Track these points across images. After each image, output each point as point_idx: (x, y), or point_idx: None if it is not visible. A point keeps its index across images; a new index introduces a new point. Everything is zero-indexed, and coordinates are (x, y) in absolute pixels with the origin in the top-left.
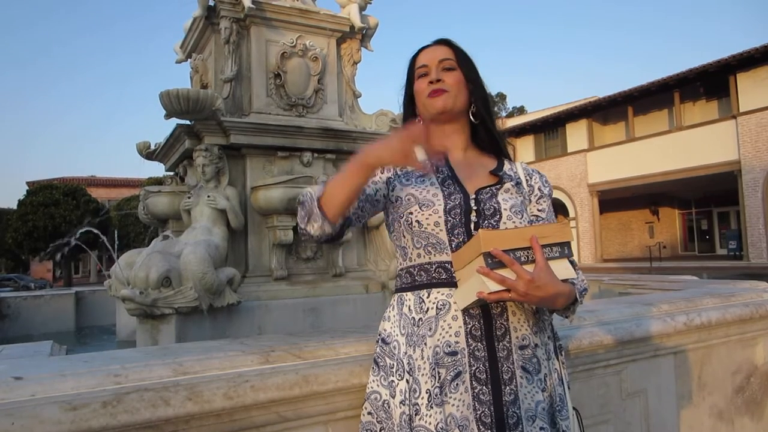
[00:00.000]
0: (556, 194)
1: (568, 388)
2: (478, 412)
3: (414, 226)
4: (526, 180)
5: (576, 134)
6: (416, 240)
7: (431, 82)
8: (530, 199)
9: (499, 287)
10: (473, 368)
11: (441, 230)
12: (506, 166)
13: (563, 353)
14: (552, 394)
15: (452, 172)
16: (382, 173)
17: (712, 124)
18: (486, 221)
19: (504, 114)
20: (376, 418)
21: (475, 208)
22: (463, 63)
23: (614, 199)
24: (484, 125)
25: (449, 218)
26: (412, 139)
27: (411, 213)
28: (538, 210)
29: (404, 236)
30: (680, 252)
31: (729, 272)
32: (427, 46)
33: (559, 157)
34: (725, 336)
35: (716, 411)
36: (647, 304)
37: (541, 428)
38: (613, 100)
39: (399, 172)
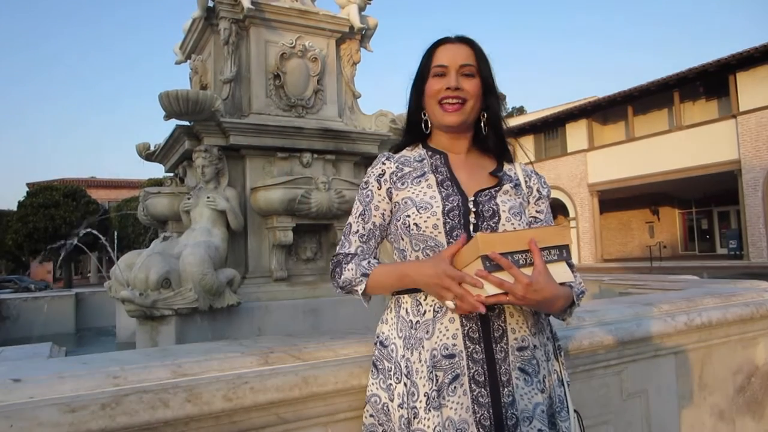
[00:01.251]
0: (556, 194)
1: (568, 388)
2: (478, 415)
3: (412, 229)
4: (525, 181)
5: (576, 134)
6: (414, 243)
7: (449, 89)
8: (529, 201)
9: (497, 291)
10: (472, 371)
11: (439, 233)
12: (506, 167)
13: (563, 354)
14: (551, 395)
15: (451, 173)
16: (379, 189)
17: (712, 124)
18: (485, 223)
19: (504, 114)
20: (378, 421)
21: (473, 209)
22: (483, 69)
23: (614, 199)
24: (493, 133)
25: (448, 220)
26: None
27: (408, 216)
28: (537, 211)
29: (402, 239)
30: (680, 252)
31: (729, 272)
32: (448, 41)
33: (559, 157)
34: (726, 336)
35: (717, 411)
36: (647, 304)
37: (539, 430)
38: (613, 100)
39: (394, 178)
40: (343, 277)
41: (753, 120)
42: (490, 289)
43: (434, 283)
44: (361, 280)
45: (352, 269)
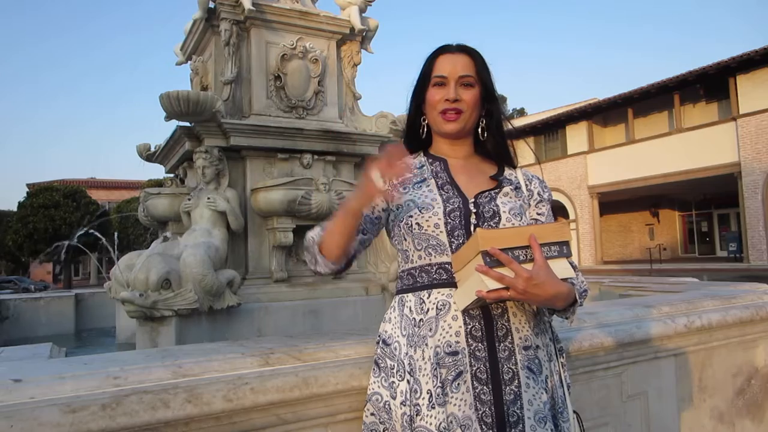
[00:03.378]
0: (556, 196)
1: (569, 390)
2: (480, 412)
3: (414, 229)
4: (526, 185)
5: (576, 136)
6: (417, 242)
7: (447, 100)
8: (529, 203)
9: (498, 285)
10: (474, 368)
11: (441, 232)
12: (506, 171)
13: (563, 355)
14: (554, 395)
15: (450, 178)
16: None
17: (712, 126)
18: (485, 223)
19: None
20: (379, 419)
21: (474, 210)
22: (483, 79)
23: (614, 201)
24: (492, 137)
25: (449, 220)
26: (374, 183)
27: (411, 216)
28: (538, 214)
29: (405, 239)
30: (680, 254)
31: (729, 274)
32: (448, 51)
33: (559, 159)
34: (726, 338)
35: (717, 413)
36: (647, 306)
37: (551, 429)
38: (613, 102)
39: (395, 183)
40: (307, 237)
41: (753, 123)
42: (491, 285)
43: (360, 186)
44: (319, 233)
45: (315, 230)
